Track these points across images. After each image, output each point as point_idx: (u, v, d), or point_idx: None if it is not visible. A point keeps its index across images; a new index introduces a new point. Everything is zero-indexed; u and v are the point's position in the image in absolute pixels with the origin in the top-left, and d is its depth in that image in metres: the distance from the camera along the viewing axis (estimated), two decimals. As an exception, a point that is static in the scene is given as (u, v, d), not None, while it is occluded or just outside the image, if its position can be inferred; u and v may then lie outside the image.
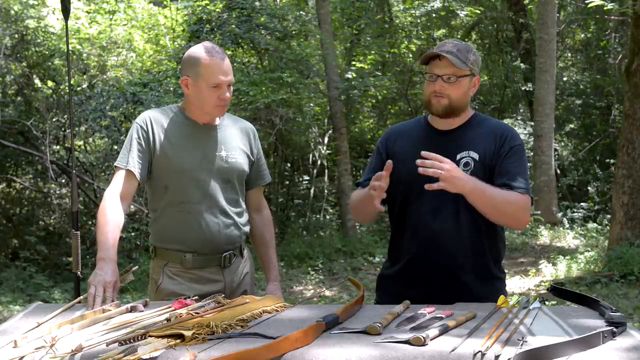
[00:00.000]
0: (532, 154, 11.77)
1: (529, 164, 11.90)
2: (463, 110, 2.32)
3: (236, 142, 2.49)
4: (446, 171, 2.08)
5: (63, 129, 9.17)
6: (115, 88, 8.56)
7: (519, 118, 13.81)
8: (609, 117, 13.75)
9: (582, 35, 15.00)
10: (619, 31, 13.47)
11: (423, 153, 2.10)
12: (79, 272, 2.43)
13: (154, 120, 2.41)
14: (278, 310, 1.94)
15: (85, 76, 9.73)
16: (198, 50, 2.38)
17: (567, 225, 11.14)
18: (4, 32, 8.80)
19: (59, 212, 9.58)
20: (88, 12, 10.73)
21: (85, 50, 9.71)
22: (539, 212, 10.89)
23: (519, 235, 10.45)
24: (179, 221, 2.39)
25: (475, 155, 2.26)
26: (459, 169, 2.16)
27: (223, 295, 2.11)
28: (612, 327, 1.62)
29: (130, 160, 2.35)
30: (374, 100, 12.10)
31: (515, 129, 12.82)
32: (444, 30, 14.52)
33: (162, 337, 1.58)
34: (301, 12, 10.73)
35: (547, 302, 1.98)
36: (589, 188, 12.80)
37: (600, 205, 12.03)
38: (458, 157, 2.26)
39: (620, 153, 7.63)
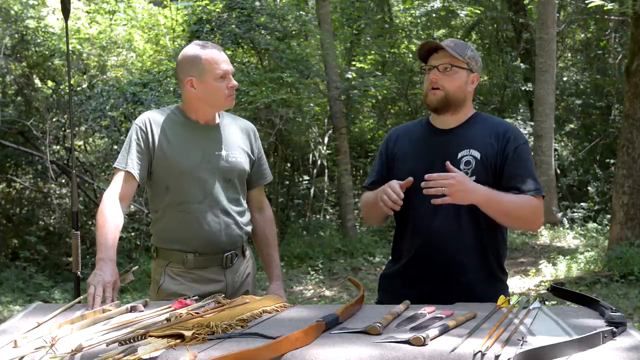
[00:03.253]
0: (532, 154, 11.75)
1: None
2: (460, 105, 2.30)
3: (236, 141, 2.49)
4: (451, 186, 2.07)
5: (63, 129, 9.18)
6: (115, 88, 8.56)
7: (519, 118, 13.80)
8: (609, 117, 13.75)
9: (582, 35, 15.00)
10: (619, 31, 13.47)
11: (426, 176, 2.09)
12: (79, 272, 2.43)
13: (153, 121, 2.41)
14: (278, 310, 1.94)
15: (85, 76, 9.74)
16: (192, 49, 2.40)
17: (567, 225, 11.14)
18: (4, 32, 8.81)
19: (59, 212, 9.58)
20: (88, 12, 10.75)
21: (85, 50, 9.72)
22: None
23: (519, 235, 10.45)
24: (180, 221, 2.39)
25: (477, 154, 2.25)
26: (468, 180, 2.13)
27: (223, 295, 2.11)
28: (612, 327, 1.61)
29: (129, 161, 2.35)
30: (374, 100, 12.11)
31: (515, 129, 12.90)
32: (444, 30, 14.52)
33: (162, 337, 1.58)
34: (301, 12, 10.73)
35: (547, 302, 1.98)
36: (589, 188, 12.80)
37: (600, 205, 12.03)
38: (459, 155, 2.25)
39: (620, 153, 7.62)
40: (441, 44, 2.27)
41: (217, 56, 2.37)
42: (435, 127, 2.36)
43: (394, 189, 2.15)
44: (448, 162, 2.12)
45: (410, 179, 2.16)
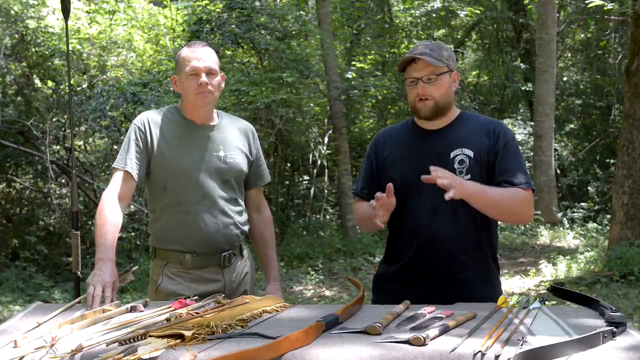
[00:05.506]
0: (532, 154, 11.77)
1: (529, 164, 11.89)
2: (449, 108, 2.32)
3: (235, 142, 2.49)
4: (451, 179, 2.10)
5: (63, 129, 9.17)
6: (115, 88, 8.55)
7: (519, 118, 13.81)
8: (609, 117, 13.75)
9: (582, 35, 15.00)
10: (619, 31, 13.47)
11: (423, 178, 2.11)
12: (79, 272, 2.43)
13: (152, 121, 2.41)
14: (278, 310, 1.94)
15: (85, 76, 9.73)
16: (181, 49, 2.46)
17: (567, 225, 11.14)
18: (4, 32, 8.81)
19: (59, 212, 9.58)
20: (88, 12, 10.74)
21: (85, 50, 9.71)
22: (539, 212, 10.89)
23: (519, 235, 10.45)
24: (178, 221, 2.39)
25: (470, 152, 2.26)
26: (456, 175, 2.16)
27: (223, 295, 2.11)
28: (612, 327, 1.61)
29: (128, 161, 2.36)
30: (374, 100, 12.10)
31: (515, 129, 12.91)
32: (444, 30, 14.53)
33: (162, 337, 1.58)
34: (301, 12, 10.73)
35: (547, 302, 1.98)
36: (589, 188, 12.80)
37: (600, 205, 12.03)
38: (452, 155, 2.26)
39: (620, 153, 7.62)
40: (418, 55, 2.23)
41: (192, 54, 2.38)
42: (423, 129, 2.36)
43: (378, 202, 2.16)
44: (432, 167, 2.13)
45: (390, 185, 2.16)
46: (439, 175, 2.10)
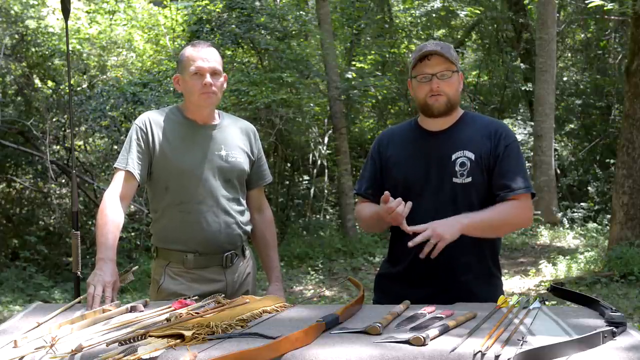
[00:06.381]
0: (532, 154, 11.77)
1: (529, 164, 11.85)
2: (456, 107, 2.33)
3: (236, 141, 2.49)
4: (436, 235, 2.06)
5: (63, 129, 9.17)
6: (115, 88, 8.56)
7: (519, 118, 13.81)
8: (609, 117, 13.75)
9: (582, 35, 15.00)
10: (619, 31, 13.47)
11: (409, 244, 2.08)
12: (79, 272, 2.43)
13: (153, 121, 2.41)
14: (278, 310, 1.94)
15: (85, 76, 9.73)
16: (185, 48, 2.45)
17: (567, 225, 11.14)
18: (4, 32, 8.81)
19: (59, 212, 9.58)
20: (88, 12, 10.75)
21: (85, 50, 9.71)
22: (539, 212, 10.90)
23: (519, 235, 10.45)
24: (180, 221, 2.39)
25: (471, 155, 2.25)
26: (440, 222, 2.11)
27: (223, 295, 2.11)
28: (612, 327, 1.61)
29: (130, 161, 2.36)
30: (374, 100, 12.11)
31: (515, 129, 12.91)
32: (444, 30, 14.53)
33: (162, 337, 1.58)
34: (301, 12, 10.73)
35: (547, 302, 1.98)
36: (589, 188, 12.80)
37: (600, 205, 12.03)
38: (453, 157, 2.25)
39: (620, 153, 7.62)
40: (437, 49, 2.24)
41: (196, 53, 2.37)
42: (426, 130, 2.35)
43: (395, 208, 2.14)
44: (386, 193, 2.10)
45: (388, 193, 2.15)
46: (418, 240, 2.07)
